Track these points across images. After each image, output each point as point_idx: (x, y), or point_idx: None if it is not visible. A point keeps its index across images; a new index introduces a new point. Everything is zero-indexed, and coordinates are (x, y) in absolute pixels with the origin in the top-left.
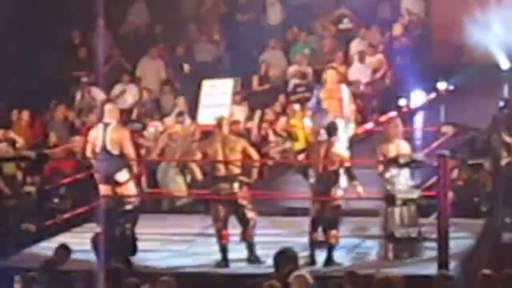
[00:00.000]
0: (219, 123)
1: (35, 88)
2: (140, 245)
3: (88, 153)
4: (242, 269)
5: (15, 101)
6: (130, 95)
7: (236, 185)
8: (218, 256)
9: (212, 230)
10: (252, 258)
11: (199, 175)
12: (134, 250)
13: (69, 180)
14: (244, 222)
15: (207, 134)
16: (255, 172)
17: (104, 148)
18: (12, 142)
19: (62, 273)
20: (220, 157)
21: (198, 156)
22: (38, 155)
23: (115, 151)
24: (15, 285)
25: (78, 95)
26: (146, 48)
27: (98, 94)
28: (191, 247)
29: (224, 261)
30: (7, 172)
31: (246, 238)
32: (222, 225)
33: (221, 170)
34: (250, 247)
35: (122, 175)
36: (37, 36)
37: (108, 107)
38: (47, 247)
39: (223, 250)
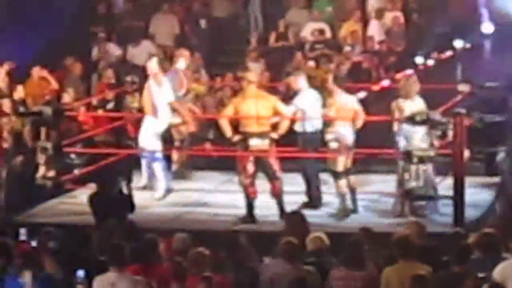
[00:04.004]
0: (249, 80)
1: (51, 44)
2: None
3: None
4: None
5: (30, 57)
6: (145, 52)
7: (267, 142)
8: (232, 212)
9: (226, 187)
10: (281, 215)
11: (228, 132)
12: (131, 208)
13: (86, 136)
14: (273, 178)
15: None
16: (284, 129)
17: None
18: (23, 100)
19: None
20: (253, 113)
21: (230, 111)
22: (54, 111)
23: None
24: (21, 237)
25: (94, 51)
26: (161, 5)
27: (115, 50)
28: (206, 203)
29: (251, 217)
30: (16, 128)
31: (277, 194)
32: (250, 182)
33: (253, 126)
34: (280, 203)
35: None
36: None
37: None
38: (62, 203)
39: (250, 206)
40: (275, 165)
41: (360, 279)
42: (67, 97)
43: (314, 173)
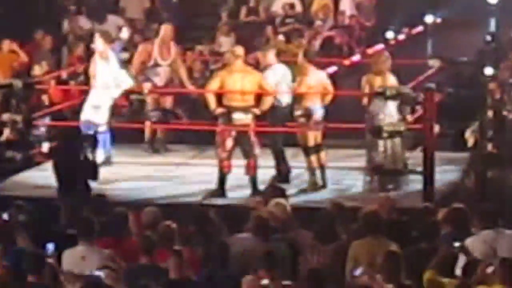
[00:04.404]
0: (238, 54)
1: (21, 17)
2: (123, 174)
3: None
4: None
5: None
6: (112, 27)
7: (249, 117)
8: (202, 187)
9: (196, 160)
10: (255, 193)
11: (213, 104)
12: (95, 174)
13: (56, 109)
14: (250, 155)
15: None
16: (267, 105)
17: None
18: None
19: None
20: (238, 87)
21: (216, 84)
22: (25, 84)
23: None
24: None
25: (65, 24)
26: None
27: (86, 23)
28: (176, 177)
29: (222, 190)
30: None
31: (252, 170)
32: (227, 156)
33: (238, 100)
34: (253, 181)
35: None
36: None
37: None
38: (31, 176)
39: (222, 180)
40: (255, 141)
41: (330, 252)
42: (37, 70)
43: (282, 148)
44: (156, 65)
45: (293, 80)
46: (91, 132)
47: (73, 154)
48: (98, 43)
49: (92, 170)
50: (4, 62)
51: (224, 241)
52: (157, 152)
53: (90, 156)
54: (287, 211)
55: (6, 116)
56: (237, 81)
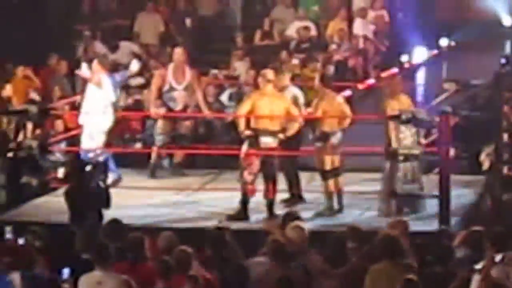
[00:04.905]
0: (268, 78)
1: (36, 42)
2: (139, 199)
3: None
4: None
5: (15, 55)
6: (126, 53)
7: (276, 141)
8: (218, 211)
9: (212, 185)
10: (271, 217)
11: (242, 126)
12: (107, 203)
13: (72, 134)
14: (271, 178)
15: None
16: (293, 130)
17: None
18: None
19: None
20: (267, 111)
21: (248, 106)
22: (40, 110)
23: None
24: (6, 235)
25: (80, 49)
26: (146, 3)
27: (101, 48)
28: (191, 202)
29: (244, 213)
30: (1, 127)
31: (271, 195)
32: (253, 179)
33: (266, 124)
34: (271, 205)
35: None
36: None
37: None
38: (47, 201)
39: (245, 203)
40: (278, 165)
41: (341, 276)
42: (53, 96)
43: (294, 171)
44: (172, 89)
45: (308, 104)
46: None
47: (85, 182)
48: (93, 70)
49: (105, 198)
50: (19, 88)
51: (243, 264)
52: (175, 175)
53: (102, 183)
54: (304, 236)
55: (21, 142)
56: (267, 105)
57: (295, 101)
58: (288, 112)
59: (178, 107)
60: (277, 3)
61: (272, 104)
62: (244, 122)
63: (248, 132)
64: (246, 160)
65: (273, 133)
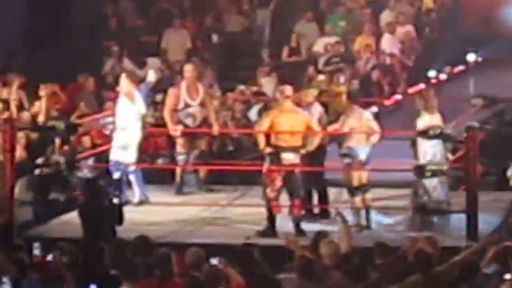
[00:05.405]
0: (286, 94)
1: (63, 59)
2: (166, 215)
3: None
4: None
5: (43, 73)
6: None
7: (297, 156)
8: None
9: (240, 201)
10: (298, 233)
11: (262, 143)
12: (120, 219)
13: (99, 151)
14: (295, 195)
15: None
16: (314, 145)
17: None
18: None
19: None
20: (287, 127)
21: (267, 123)
22: (67, 126)
23: None
24: (34, 251)
25: (108, 65)
26: (173, 20)
27: (128, 65)
28: (220, 218)
29: (272, 230)
30: (31, 143)
31: (297, 212)
32: (276, 196)
33: (287, 140)
34: (297, 221)
35: None
36: (66, 8)
37: None
38: (75, 217)
39: (272, 220)
40: (302, 181)
41: None
42: (78, 112)
43: (321, 187)
44: (187, 106)
45: (334, 120)
46: (119, 172)
47: (98, 200)
48: (123, 84)
49: (117, 214)
50: (46, 105)
51: (277, 279)
52: (201, 192)
53: (115, 200)
54: (339, 251)
55: (49, 158)
56: (287, 121)
57: (320, 119)
58: (309, 127)
59: (194, 123)
60: (299, 18)
61: (292, 120)
62: (264, 139)
63: (268, 149)
64: (268, 177)
65: (294, 149)
